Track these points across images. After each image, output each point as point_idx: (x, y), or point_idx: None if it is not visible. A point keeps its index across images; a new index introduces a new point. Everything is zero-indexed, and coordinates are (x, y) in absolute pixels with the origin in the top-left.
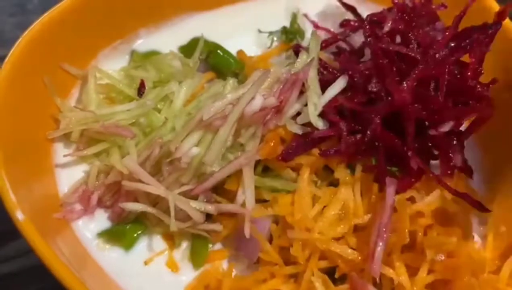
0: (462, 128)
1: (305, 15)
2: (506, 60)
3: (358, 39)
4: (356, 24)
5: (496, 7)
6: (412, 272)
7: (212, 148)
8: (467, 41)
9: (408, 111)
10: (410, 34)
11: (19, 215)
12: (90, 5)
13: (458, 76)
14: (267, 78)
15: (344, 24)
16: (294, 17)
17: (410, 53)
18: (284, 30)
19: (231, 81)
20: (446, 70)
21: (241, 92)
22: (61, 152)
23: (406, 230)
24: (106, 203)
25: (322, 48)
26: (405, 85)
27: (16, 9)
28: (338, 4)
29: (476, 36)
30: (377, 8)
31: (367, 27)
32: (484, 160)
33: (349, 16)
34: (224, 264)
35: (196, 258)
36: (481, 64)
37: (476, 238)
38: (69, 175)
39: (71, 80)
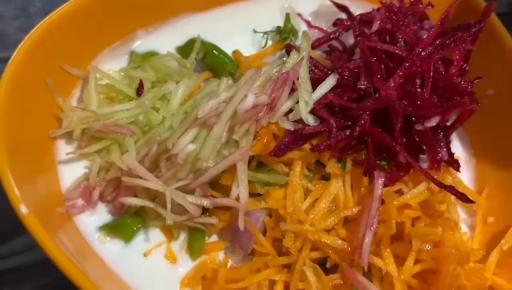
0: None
1: (299, 15)
2: (493, 58)
3: (350, 37)
4: (348, 23)
5: (483, 5)
6: (401, 261)
7: (207, 145)
8: (451, 39)
9: (395, 107)
10: (397, 33)
11: (23, 210)
12: (89, 8)
13: (443, 73)
14: (259, 77)
15: (337, 23)
16: (287, 17)
17: (396, 51)
18: (278, 30)
19: (225, 80)
20: (431, 67)
21: (234, 91)
22: (63, 150)
23: (393, 221)
24: (107, 198)
25: (315, 47)
26: (392, 82)
27: (19, 12)
28: (331, 3)
29: (460, 34)
30: (369, 7)
31: (357, 26)
32: (474, 154)
33: (342, 15)
34: (220, 255)
35: (193, 250)
36: (466, 61)
37: (466, 228)
38: (71, 172)
39: (72, 81)
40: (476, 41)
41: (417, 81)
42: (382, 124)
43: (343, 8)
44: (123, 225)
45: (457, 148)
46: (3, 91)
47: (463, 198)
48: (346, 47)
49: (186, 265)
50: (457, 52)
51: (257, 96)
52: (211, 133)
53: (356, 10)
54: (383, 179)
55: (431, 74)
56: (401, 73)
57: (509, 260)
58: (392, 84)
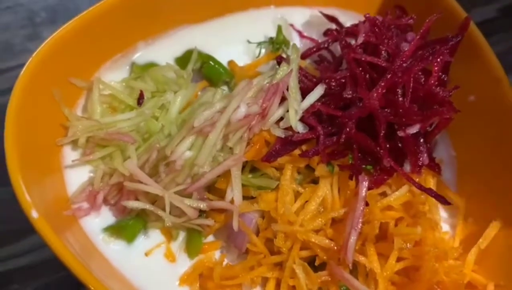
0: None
1: (291, 25)
2: (474, 65)
3: (339, 47)
4: (336, 34)
5: (463, 16)
6: (385, 259)
7: (202, 151)
8: (430, 51)
9: (378, 115)
10: (380, 45)
11: (34, 214)
12: (92, 23)
13: (423, 83)
14: (251, 88)
15: (327, 33)
16: (279, 29)
17: (379, 63)
18: (271, 41)
19: (220, 91)
20: (411, 78)
21: (227, 101)
22: (69, 157)
23: (377, 222)
24: (110, 201)
25: (305, 56)
26: (375, 92)
27: (25, 22)
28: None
29: (438, 47)
30: (358, 17)
31: (343, 39)
32: (455, 156)
33: (332, 25)
34: (217, 254)
35: (191, 249)
36: (446, 72)
37: (447, 228)
38: (77, 177)
39: (77, 92)
40: (455, 53)
41: (399, 90)
42: (368, 131)
43: (332, 19)
44: (126, 226)
45: (440, 150)
46: (14, 103)
47: (441, 200)
48: (335, 56)
49: (184, 263)
50: (435, 64)
51: (249, 106)
52: (206, 141)
53: (346, 21)
54: (367, 182)
55: (411, 84)
56: (383, 84)
57: (487, 257)
58: (375, 94)
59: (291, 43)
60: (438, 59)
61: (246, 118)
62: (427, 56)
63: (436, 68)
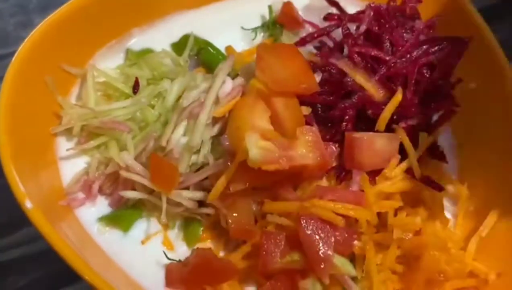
0: None
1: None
2: (476, 53)
3: (340, 32)
4: (337, 19)
5: (473, 11)
6: (386, 249)
7: (195, 132)
8: (437, 48)
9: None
10: (383, 34)
11: (28, 204)
12: (86, 9)
13: (427, 76)
14: (231, 64)
15: (328, 17)
16: (270, 10)
17: (381, 56)
18: (264, 24)
19: (200, 74)
20: (415, 70)
21: (212, 80)
22: (64, 146)
23: (374, 209)
24: (106, 191)
25: (306, 43)
26: (373, 82)
27: (17, 9)
28: None
29: (445, 45)
30: (360, 3)
31: (345, 27)
32: (457, 145)
33: (333, 9)
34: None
35: (190, 238)
36: (451, 69)
37: (449, 216)
38: (72, 167)
39: (71, 79)
40: (462, 57)
41: (401, 81)
42: (367, 122)
43: (333, 3)
44: (121, 216)
45: (441, 139)
46: (6, 92)
47: (435, 186)
48: (336, 41)
49: (182, 252)
50: (440, 61)
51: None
52: (197, 121)
53: (346, 4)
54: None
55: (414, 76)
56: (381, 74)
57: (488, 245)
58: (373, 84)
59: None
60: (444, 60)
61: (234, 90)
62: (433, 52)
63: (440, 65)
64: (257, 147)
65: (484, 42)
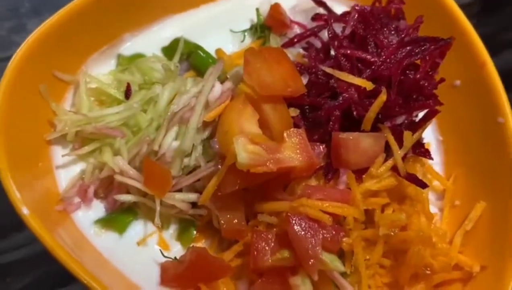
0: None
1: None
2: (460, 50)
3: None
4: (324, 20)
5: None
6: (373, 245)
7: (186, 136)
8: (420, 49)
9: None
10: (368, 36)
11: (24, 211)
12: (77, 16)
13: (410, 76)
14: (221, 68)
15: (316, 18)
16: (258, 12)
17: (366, 58)
18: (252, 26)
19: (190, 79)
20: (399, 71)
21: (201, 85)
22: (59, 152)
23: (360, 207)
24: (101, 195)
25: (294, 43)
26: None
27: (9, 13)
28: None
29: (428, 46)
30: (346, 2)
31: (331, 29)
32: (442, 141)
33: (321, 9)
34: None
35: (184, 239)
36: (434, 69)
37: (435, 210)
38: (67, 172)
39: (64, 85)
40: (445, 56)
41: (385, 82)
42: (353, 122)
43: (320, 3)
44: (117, 218)
45: (427, 134)
46: (0, 99)
47: (419, 183)
48: (324, 42)
49: (177, 252)
50: (423, 62)
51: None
52: (188, 125)
53: (334, 5)
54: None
55: (398, 77)
56: (366, 76)
57: (473, 238)
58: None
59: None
60: (427, 59)
61: (223, 94)
62: (416, 53)
63: (423, 65)
64: (245, 151)
65: (466, 39)
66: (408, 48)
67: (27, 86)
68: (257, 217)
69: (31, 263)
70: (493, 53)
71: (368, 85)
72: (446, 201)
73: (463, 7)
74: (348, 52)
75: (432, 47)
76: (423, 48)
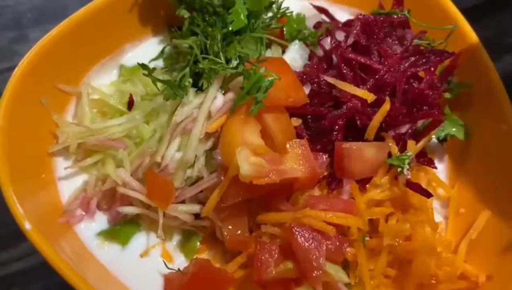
0: None
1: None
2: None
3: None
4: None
5: (453, 10)
6: (378, 255)
7: (189, 148)
8: (424, 60)
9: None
10: (372, 45)
11: (27, 226)
12: (79, 28)
13: (415, 85)
14: (222, 79)
15: (317, 26)
16: None
17: (370, 64)
18: None
19: (191, 90)
20: (403, 80)
21: (203, 96)
22: (61, 165)
23: (364, 217)
24: (104, 207)
25: None
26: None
27: (11, 23)
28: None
29: (432, 57)
30: (347, 10)
31: (334, 38)
32: (447, 150)
33: (323, 17)
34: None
35: (187, 250)
36: (442, 82)
37: (440, 218)
38: (70, 184)
39: (66, 97)
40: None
41: (389, 91)
42: (357, 132)
43: (322, 10)
44: (120, 230)
45: (431, 143)
46: (2, 114)
47: (425, 194)
48: (326, 50)
49: (181, 264)
50: (427, 73)
51: (225, 94)
52: (191, 136)
53: (336, 12)
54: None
55: (402, 86)
56: (369, 86)
57: (478, 248)
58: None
59: None
60: (431, 71)
61: (225, 105)
62: (421, 64)
63: (428, 77)
64: (248, 163)
65: (467, 42)
66: (412, 58)
67: (30, 98)
68: (261, 228)
69: (37, 273)
70: (495, 57)
71: (370, 97)
72: (450, 209)
73: (468, 9)
74: (351, 56)
75: (438, 58)
76: (427, 59)
